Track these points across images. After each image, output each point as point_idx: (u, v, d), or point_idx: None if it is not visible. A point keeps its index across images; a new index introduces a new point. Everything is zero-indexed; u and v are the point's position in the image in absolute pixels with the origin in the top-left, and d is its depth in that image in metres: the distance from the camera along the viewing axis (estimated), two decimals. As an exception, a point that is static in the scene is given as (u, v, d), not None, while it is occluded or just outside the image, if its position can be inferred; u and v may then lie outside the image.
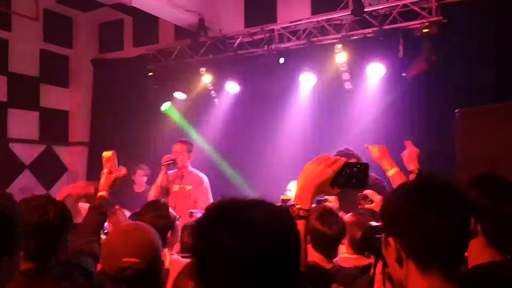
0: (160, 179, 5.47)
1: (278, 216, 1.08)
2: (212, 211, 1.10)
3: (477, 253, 1.65)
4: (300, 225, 1.44)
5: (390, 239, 1.30)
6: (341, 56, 6.05)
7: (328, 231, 2.78)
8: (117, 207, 4.47)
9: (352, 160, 4.50)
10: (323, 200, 3.82)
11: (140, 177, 6.59)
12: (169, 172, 5.51)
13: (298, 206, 1.49)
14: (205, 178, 5.57)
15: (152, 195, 5.36)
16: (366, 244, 1.68)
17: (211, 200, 5.42)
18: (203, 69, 7.10)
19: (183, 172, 5.54)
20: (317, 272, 2.66)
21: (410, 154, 2.97)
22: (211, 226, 1.07)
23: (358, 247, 3.16)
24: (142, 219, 2.81)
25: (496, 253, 1.65)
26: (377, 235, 1.45)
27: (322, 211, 2.86)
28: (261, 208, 1.07)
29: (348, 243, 3.24)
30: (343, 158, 1.54)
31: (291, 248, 1.08)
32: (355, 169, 1.52)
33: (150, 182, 6.49)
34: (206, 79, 7.16)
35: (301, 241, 1.39)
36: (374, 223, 1.71)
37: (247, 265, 1.00)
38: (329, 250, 2.85)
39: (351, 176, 1.51)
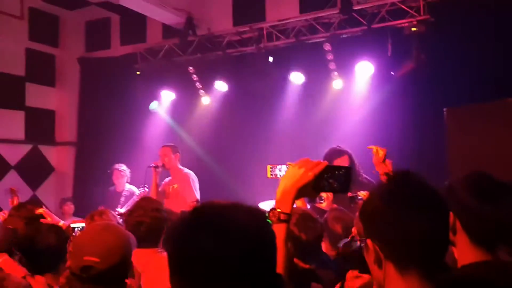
0: (153, 181, 5.65)
1: (254, 218, 1.09)
2: (189, 216, 1.12)
3: (462, 252, 1.62)
4: (281, 228, 1.44)
5: (369, 241, 1.29)
6: (330, 55, 6.07)
7: (304, 236, 2.74)
8: (101, 207, 4.46)
9: (344, 157, 4.51)
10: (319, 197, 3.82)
11: (118, 178, 6.58)
12: (166, 180, 5.80)
13: (279, 210, 1.47)
14: (191, 173, 5.77)
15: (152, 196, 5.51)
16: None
17: (196, 195, 5.57)
18: (191, 68, 7.06)
19: (172, 174, 5.81)
20: (296, 271, 2.63)
21: (377, 158, 3.02)
22: (189, 229, 1.09)
23: (338, 243, 3.13)
24: (132, 218, 2.81)
25: (481, 253, 1.61)
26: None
27: (299, 216, 2.82)
28: (237, 210, 1.09)
29: (328, 239, 3.20)
30: (324, 161, 1.52)
31: (267, 248, 1.09)
32: (336, 172, 1.50)
33: (133, 181, 6.56)
34: (195, 78, 7.12)
35: (281, 244, 1.40)
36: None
37: (225, 265, 1.02)
38: (305, 255, 2.80)
39: (333, 179, 1.49)
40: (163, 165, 5.65)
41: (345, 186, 1.50)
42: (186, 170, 5.82)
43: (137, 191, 6.23)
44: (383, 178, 2.85)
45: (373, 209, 1.29)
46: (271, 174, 4.18)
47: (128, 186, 6.55)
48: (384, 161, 3.17)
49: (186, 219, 1.11)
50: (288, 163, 3.78)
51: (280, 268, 1.39)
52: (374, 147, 3.16)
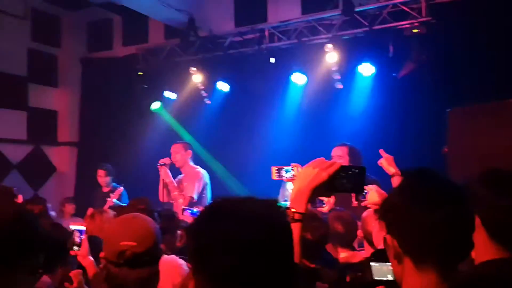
0: (160, 180, 5.54)
1: (270, 207, 1.12)
2: (208, 208, 1.15)
3: (481, 249, 1.58)
4: (295, 228, 1.45)
5: (388, 236, 1.31)
6: (331, 56, 6.07)
7: (309, 236, 2.76)
8: (90, 209, 4.42)
9: (344, 147, 4.53)
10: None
11: (102, 178, 6.47)
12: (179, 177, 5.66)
13: (294, 209, 1.48)
14: (202, 171, 5.65)
15: (160, 195, 5.50)
16: None
17: (195, 189, 5.46)
18: (193, 69, 7.08)
19: (184, 172, 5.67)
20: (302, 270, 2.65)
21: (387, 159, 3.02)
22: (208, 219, 1.12)
23: (341, 242, 3.16)
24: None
25: (500, 249, 1.58)
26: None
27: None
28: (253, 202, 1.12)
29: (330, 239, 3.21)
30: (339, 162, 1.53)
31: (285, 235, 1.12)
32: (350, 172, 1.50)
33: (118, 180, 6.49)
34: (196, 78, 7.14)
35: (295, 243, 1.41)
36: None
37: (246, 250, 1.04)
38: (310, 255, 2.82)
39: (347, 179, 1.50)
40: (173, 163, 5.52)
41: (359, 186, 1.52)
42: (198, 168, 5.70)
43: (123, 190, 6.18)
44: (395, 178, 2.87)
45: (391, 204, 1.31)
46: (276, 176, 4.21)
47: (114, 185, 6.42)
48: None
49: (204, 211, 1.14)
50: (292, 164, 3.83)
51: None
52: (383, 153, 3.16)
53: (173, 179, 5.49)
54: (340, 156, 4.56)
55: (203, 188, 5.58)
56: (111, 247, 1.85)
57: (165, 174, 5.46)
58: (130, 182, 6.59)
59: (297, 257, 1.44)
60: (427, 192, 1.25)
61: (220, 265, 1.04)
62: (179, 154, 5.57)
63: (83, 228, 3.33)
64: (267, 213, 1.10)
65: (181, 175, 5.73)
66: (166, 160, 5.50)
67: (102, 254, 1.89)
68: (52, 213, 3.70)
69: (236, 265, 1.03)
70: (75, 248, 2.94)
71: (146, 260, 1.84)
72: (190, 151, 5.68)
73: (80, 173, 8.53)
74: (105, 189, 6.48)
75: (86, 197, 7.61)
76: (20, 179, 7.93)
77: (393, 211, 1.29)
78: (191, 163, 5.70)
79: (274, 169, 4.18)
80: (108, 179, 6.49)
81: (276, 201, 1.17)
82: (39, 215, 3.50)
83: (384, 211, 1.34)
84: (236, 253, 1.03)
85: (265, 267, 1.04)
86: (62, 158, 8.73)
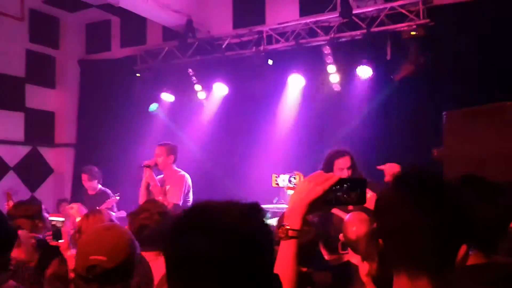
0: (143, 181, 5.39)
1: (247, 217, 1.09)
2: (184, 215, 1.13)
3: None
4: (290, 245, 1.43)
5: (380, 241, 1.26)
6: (329, 58, 6.08)
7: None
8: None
9: (346, 157, 4.45)
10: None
11: (86, 182, 6.36)
12: (157, 177, 5.46)
13: (288, 226, 1.44)
14: (186, 175, 5.46)
15: (140, 197, 5.33)
16: None
17: (180, 194, 5.30)
18: (191, 70, 7.07)
19: (165, 174, 5.50)
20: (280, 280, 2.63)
21: (392, 167, 2.99)
22: (179, 229, 1.10)
23: (332, 247, 3.14)
24: (137, 220, 2.78)
25: (478, 255, 1.57)
26: None
27: None
28: (230, 210, 1.09)
29: (322, 243, 3.20)
30: (336, 175, 1.48)
31: (258, 247, 1.08)
32: (349, 185, 1.45)
33: (106, 183, 6.42)
34: (194, 80, 7.13)
35: (291, 260, 1.41)
36: None
37: (216, 265, 1.03)
38: (300, 258, 2.78)
39: (346, 192, 1.45)
40: (156, 165, 5.35)
41: (360, 198, 1.46)
42: (182, 171, 5.51)
43: (111, 193, 6.08)
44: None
45: (381, 201, 1.27)
46: (276, 183, 4.17)
47: (101, 188, 6.34)
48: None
49: (178, 220, 1.12)
50: (295, 172, 3.76)
51: (291, 283, 1.39)
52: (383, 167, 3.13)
53: (158, 182, 5.34)
54: (341, 169, 4.36)
55: (188, 192, 5.49)
56: (80, 261, 1.76)
57: (150, 176, 5.30)
58: (127, 184, 6.58)
59: (294, 273, 1.42)
60: (414, 193, 1.20)
61: (190, 276, 1.04)
62: (161, 158, 5.38)
63: (62, 219, 3.30)
64: (242, 225, 1.07)
65: (161, 175, 5.55)
66: (151, 162, 5.33)
67: (72, 267, 1.83)
68: (46, 215, 3.68)
69: (204, 279, 1.03)
70: (57, 240, 2.91)
71: (117, 276, 1.74)
72: (172, 156, 5.44)
73: (77, 175, 8.47)
74: (91, 192, 6.37)
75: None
76: (17, 180, 7.91)
77: (380, 210, 1.25)
78: (174, 166, 5.50)
79: (274, 176, 4.14)
80: (93, 182, 6.35)
81: (255, 207, 1.13)
82: (34, 216, 3.49)
83: (375, 209, 1.29)
84: (204, 268, 1.03)
85: (233, 279, 1.03)
86: (59, 159, 8.71)
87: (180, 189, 5.32)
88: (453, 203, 1.19)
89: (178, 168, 5.58)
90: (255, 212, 1.12)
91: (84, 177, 6.36)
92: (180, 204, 5.23)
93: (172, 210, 4.78)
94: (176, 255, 1.08)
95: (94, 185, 6.37)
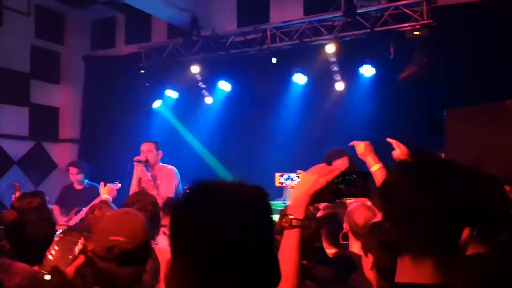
0: (135, 176, 5.45)
1: (249, 193, 1.15)
2: (189, 192, 1.17)
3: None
4: (294, 234, 1.46)
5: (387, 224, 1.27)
6: (332, 57, 6.10)
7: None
8: (54, 206, 4.38)
9: (344, 158, 4.48)
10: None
11: (73, 176, 6.26)
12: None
13: (291, 216, 1.48)
14: (174, 169, 5.56)
15: (131, 192, 5.38)
16: None
17: (173, 188, 5.39)
18: (195, 68, 7.11)
19: (155, 170, 5.56)
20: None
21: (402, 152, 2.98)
22: (185, 201, 1.15)
23: (335, 240, 3.15)
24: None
25: (478, 245, 1.59)
26: None
27: None
28: (233, 186, 1.17)
29: (324, 236, 3.20)
30: (339, 168, 1.52)
31: (260, 223, 1.13)
32: (353, 177, 1.49)
33: (92, 178, 6.30)
34: (198, 77, 7.17)
35: (295, 249, 1.45)
36: None
37: (216, 235, 1.06)
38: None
39: (349, 185, 1.49)
40: (147, 161, 5.42)
41: (363, 191, 1.50)
42: (170, 166, 5.61)
43: (100, 187, 6.07)
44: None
45: (383, 190, 1.28)
46: (279, 182, 4.20)
47: (88, 183, 6.25)
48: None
49: (186, 196, 1.16)
50: (298, 171, 3.78)
51: (294, 272, 1.43)
52: (354, 143, 3.13)
53: (150, 177, 5.40)
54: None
55: (178, 185, 5.52)
56: (100, 241, 1.80)
57: (142, 172, 5.39)
58: (130, 179, 6.60)
59: (296, 262, 1.45)
60: (418, 175, 1.21)
61: (191, 245, 1.07)
62: (152, 154, 5.46)
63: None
64: (243, 200, 1.12)
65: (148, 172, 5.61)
66: (142, 158, 5.40)
67: (90, 247, 1.83)
68: (50, 206, 3.69)
69: (205, 248, 1.06)
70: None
71: (135, 258, 1.79)
72: (160, 152, 5.56)
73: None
74: (78, 187, 6.28)
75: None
76: (21, 175, 7.96)
77: (387, 195, 1.26)
78: (160, 164, 5.58)
79: (277, 175, 4.16)
80: (80, 176, 6.25)
81: (258, 189, 1.18)
82: (37, 208, 3.52)
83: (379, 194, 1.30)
84: (205, 236, 1.06)
85: (234, 252, 1.06)
86: (63, 154, 8.74)
87: (172, 183, 5.42)
88: (457, 186, 1.20)
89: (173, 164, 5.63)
90: (258, 190, 1.18)
91: (73, 170, 6.25)
92: (173, 197, 5.30)
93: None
94: (177, 226, 1.11)
95: (81, 179, 6.26)
